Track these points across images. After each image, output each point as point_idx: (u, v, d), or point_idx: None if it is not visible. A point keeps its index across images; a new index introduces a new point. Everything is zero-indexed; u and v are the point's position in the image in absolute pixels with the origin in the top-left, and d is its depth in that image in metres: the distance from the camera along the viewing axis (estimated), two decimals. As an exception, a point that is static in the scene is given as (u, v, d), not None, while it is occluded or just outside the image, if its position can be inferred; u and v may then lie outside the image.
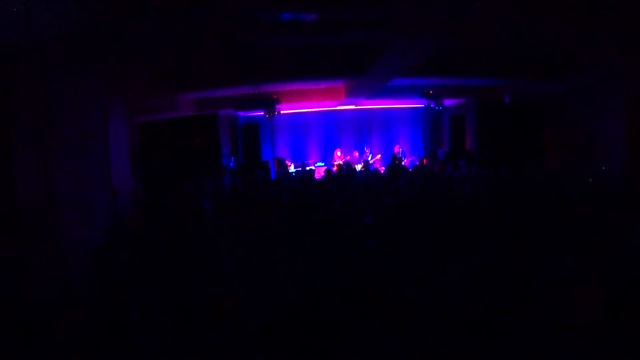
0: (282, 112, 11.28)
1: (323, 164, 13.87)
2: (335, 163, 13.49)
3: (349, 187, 7.85)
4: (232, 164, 12.92)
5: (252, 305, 3.45)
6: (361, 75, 9.38)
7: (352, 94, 11.64)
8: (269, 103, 10.57)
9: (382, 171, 11.72)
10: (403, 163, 13.08)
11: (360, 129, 15.26)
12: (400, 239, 4.50)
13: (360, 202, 6.51)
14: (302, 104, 12.87)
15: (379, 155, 14.41)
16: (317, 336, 3.10)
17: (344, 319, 3.19)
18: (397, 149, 14.22)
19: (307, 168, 12.79)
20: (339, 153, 14.09)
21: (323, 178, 9.77)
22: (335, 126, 15.12)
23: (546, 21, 5.89)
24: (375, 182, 8.64)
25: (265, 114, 10.94)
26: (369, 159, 13.88)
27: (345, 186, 7.93)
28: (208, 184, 9.10)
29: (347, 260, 4.08)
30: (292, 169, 13.47)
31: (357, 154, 14.26)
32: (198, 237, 5.22)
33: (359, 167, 12.93)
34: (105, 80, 6.81)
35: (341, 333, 3.10)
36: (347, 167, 10.88)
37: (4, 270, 4.54)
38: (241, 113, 12.57)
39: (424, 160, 13.33)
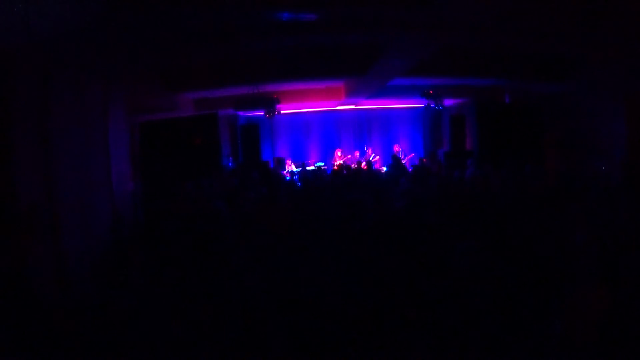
0: (282, 112, 11.29)
1: (323, 163, 13.87)
2: (336, 163, 13.50)
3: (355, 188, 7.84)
4: (230, 164, 12.93)
5: (258, 304, 3.45)
6: (361, 75, 9.37)
7: (352, 94, 11.64)
8: (269, 103, 10.57)
9: (382, 172, 11.74)
10: (403, 161, 13.09)
11: (360, 129, 15.27)
12: (402, 242, 4.49)
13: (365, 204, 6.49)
14: (302, 104, 12.88)
15: (378, 157, 14.42)
16: (317, 338, 3.11)
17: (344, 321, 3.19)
18: (396, 148, 14.22)
19: (308, 168, 12.80)
20: (339, 153, 14.10)
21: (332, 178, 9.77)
22: (335, 126, 15.12)
23: (546, 20, 5.89)
24: (380, 183, 8.64)
25: (265, 114, 10.94)
26: (371, 158, 13.89)
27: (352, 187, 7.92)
28: (207, 184, 9.09)
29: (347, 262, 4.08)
30: (293, 168, 13.48)
31: (357, 153, 14.27)
32: (214, 237, 5.19)
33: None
34: (105, 80, 6.81)
35: (341, 335, 3.11)
36: (348, 167, 10.88)
37: (4, 270, 4.54)
38: (241, 113, 12.58)
39: (424, 160, 13.34)
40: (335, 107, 13.97)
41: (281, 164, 13.25)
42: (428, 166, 11.96)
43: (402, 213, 5.72)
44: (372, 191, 6.86)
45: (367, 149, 14.32)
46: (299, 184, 9.99)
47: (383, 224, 5.17)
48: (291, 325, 3.25)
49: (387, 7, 5.33)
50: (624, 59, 7.64)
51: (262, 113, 11.06)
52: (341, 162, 13.55)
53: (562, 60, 9.28)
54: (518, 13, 5.57)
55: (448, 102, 12.70)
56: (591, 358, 2.59)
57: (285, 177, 11.70)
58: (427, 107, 11.51)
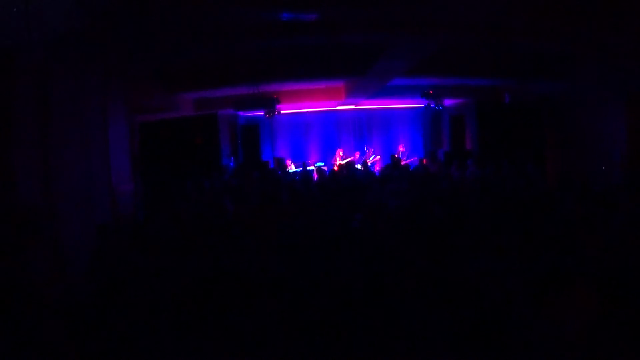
0: (282, 112, 11.29)
1: (323, 163, 13.87)
2: (336, 163, 13.49)
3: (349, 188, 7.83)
4: (231, 164, 12.93)
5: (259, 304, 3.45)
6: (361, 75, 9.38)
7: (352, 94, 11.65)
8: (269, 103, 10.58)
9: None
10: (405, 162, 13.09)
11: (361, 129, 15.28)
12: (395, 243, 4.49)
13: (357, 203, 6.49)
14: (302, 104, 12.88)
15: (378, 157, 14.43)
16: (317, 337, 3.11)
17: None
18: (401, 148, 14.24)
19: (307, 168, 12.79)
20: (341, 153, 14.10)
21: (323, 179, 9.75)
22: (335, 126, 15.13)
23: (547, 20, 5.89)
24: (373, 182, 8.62)
25: (265, 114, 10.95)
26: (370, 159, 13.89)
27: (345, 188, 7.91)
28: (207, 184, 9.10)
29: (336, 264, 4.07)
30: (292, 168, 13.48)
31: (358, 154, 14.27)
32: (220, 236, 5.17)
33: (358, 167, 12.92)
34: (105, 80, 6.81)
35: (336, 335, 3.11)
36: (348, 168, 10.87)
37: (4, 270, 4.54)
38: (241, 113, 12.58)
39: (424, 161, 13.35)
40: (336, 107, 13.98)
41: (281, 164, 13.26)
42: (428, 166, 11.97)
43: (399, 212, 5.71)
44: (365, 190, 6.87)
45: (367, 149, 14.32)
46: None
47: (380, 223, 5.18)
48: (294, 324, 3.26)
49: (387, 7, 5.34)
50: (624, 59, 7.64)
51: (262, 113, 11.07)
52: (342, 162, 13.54)
53: (562, 59, 9.28)
54: (517, 12, 5.58)
55: (448, 102, 12.70)
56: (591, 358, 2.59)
57: (291, 176, 11.68)
58: (427, 107, 11.52)
